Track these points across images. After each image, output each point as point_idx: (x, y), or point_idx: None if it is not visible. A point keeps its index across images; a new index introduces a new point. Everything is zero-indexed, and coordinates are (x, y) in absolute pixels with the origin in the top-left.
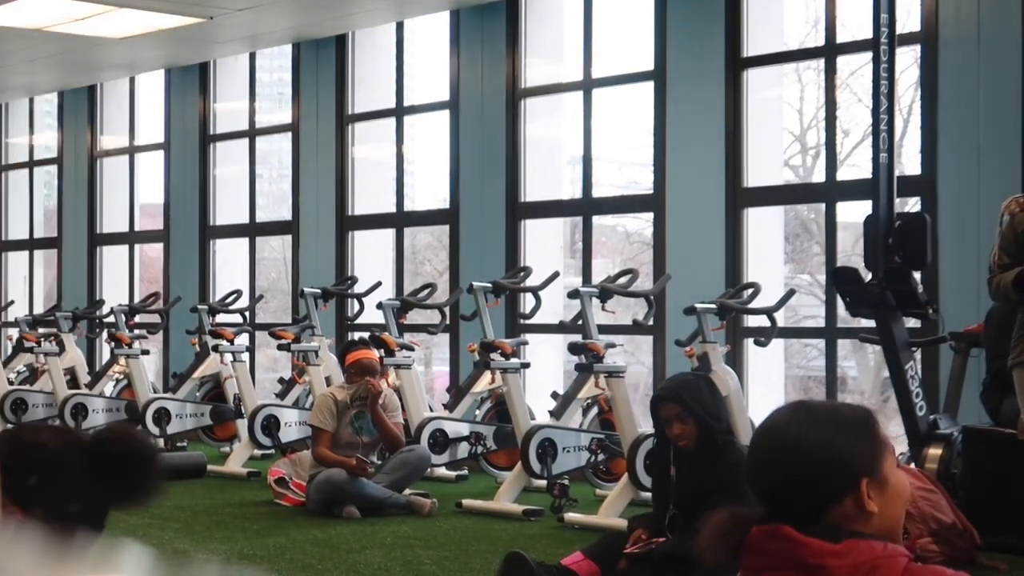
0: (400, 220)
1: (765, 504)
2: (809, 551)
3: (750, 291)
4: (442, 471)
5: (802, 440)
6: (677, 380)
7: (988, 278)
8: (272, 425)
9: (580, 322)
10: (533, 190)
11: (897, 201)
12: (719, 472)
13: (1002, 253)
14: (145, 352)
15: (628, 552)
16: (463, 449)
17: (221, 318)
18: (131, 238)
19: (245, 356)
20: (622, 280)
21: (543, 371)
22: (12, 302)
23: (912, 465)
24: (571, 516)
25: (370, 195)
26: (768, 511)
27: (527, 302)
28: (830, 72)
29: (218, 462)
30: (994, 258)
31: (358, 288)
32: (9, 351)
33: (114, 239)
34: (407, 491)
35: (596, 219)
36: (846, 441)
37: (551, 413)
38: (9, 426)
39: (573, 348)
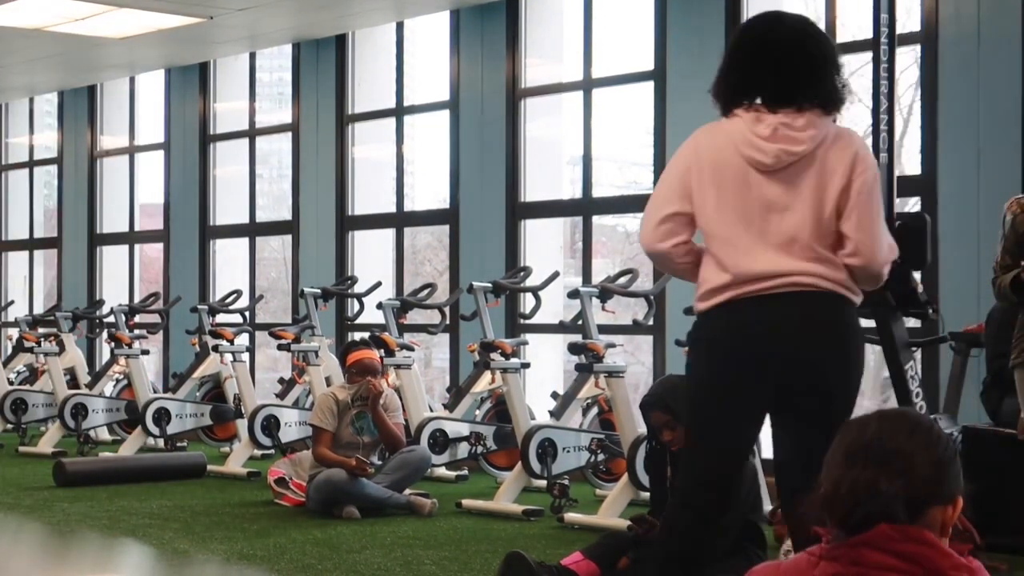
0: (400, 220)
1: (856, 496)
2: (950, 562)
3: None
4: (442, 471)
5: (942, 438)
6: (663, 386)
7: (992, 279)
8: (272, 425)
9: (580, 322)
10: (533, 190)
11: (897, 201)
12: None
13: (1004, 254)
14: (145, 352)
15: (640, 536)
16: (463, 449)
17: (221, 318)
18: (131, 238)
19: (245, 356)
20: (622, 280)
21: (543, 371)
22: (12, 302)
23: None
24: (571, 516)
25: (370, 195)
26: (851, 507)
27: (527, 302)
28: None
29: (218, 462)
30: (997, 259)
31: (358, 288)
32: (9, 351)
33: (114, 239)
34: (407, 491)
35: (596, 219)
36: (956, 457)
37: (551, 413)
38: (9, 426)
39: (573, 348)
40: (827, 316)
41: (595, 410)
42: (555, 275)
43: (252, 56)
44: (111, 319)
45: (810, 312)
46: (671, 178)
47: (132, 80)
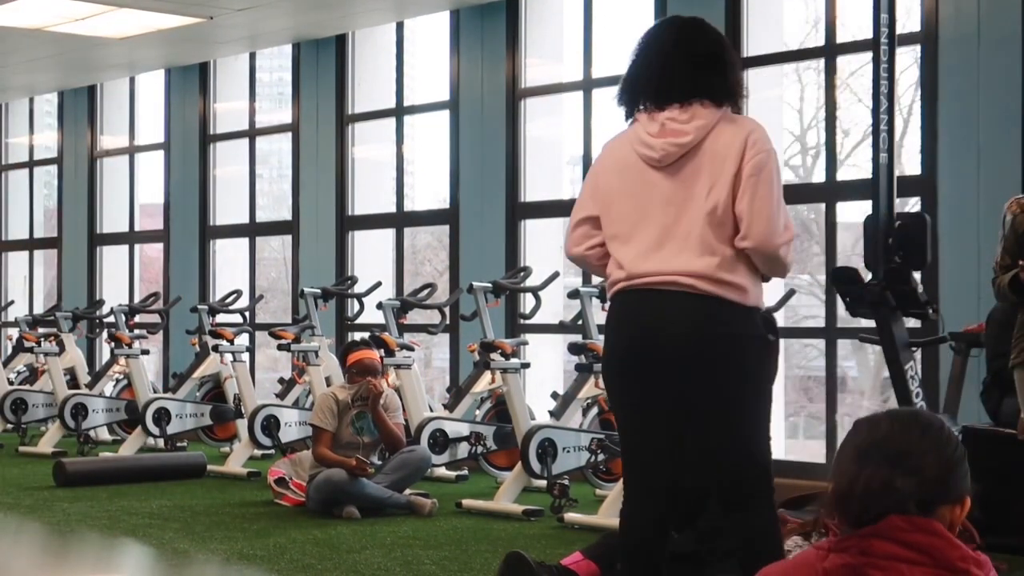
0: (400, 220)
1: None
2: (958, 553)
3: None
4: (442, 471)
5: (952, 439)
6: None
7: (992, 279)
8: (272, 425)
9: (580, 322)
10: (533, 190)
11: (897, 201)
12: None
13: (1004, 254)
14: (145, 352)
15: None
16: (463, 449)
17: (221, 318)
18: (131, 238)
19: (245, 356)
20: None
21: (543, 371)
22: (12, 302)
23: None
24: (571, 516)
25: (370, 195)
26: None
27: (527, 302)
28: (830, 72)
29: (218, 462)
30: (997, 259)
31: (358, 288)
32: (9, 351)
33: (114, 239)
34: (407, 491)
35: None
36: (964, 459)
37: (551, 413)
38: (9, 426)
39: (573, 348)
40: (697, 319)
41: (595, 410)
42: (555, 275)
43: (252, 56)
44: (111, 319)
45: (680, 314)
46: (585, 186)
47: (132, 80)
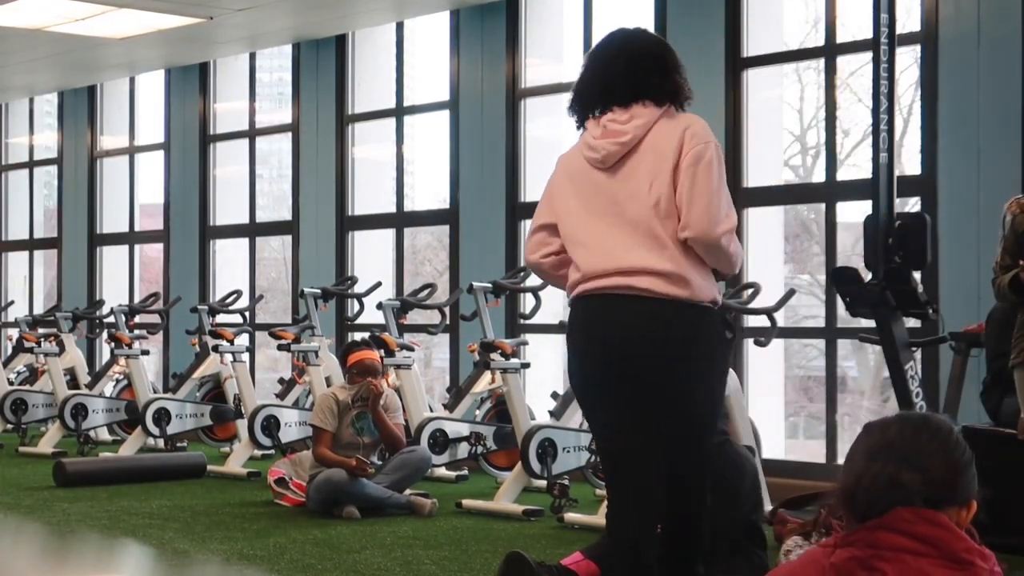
0: (400, 220)
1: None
2: (963, 545)
3: (750, 291)
4: (442, 471)
5: (960, 443)
6: None
7: (992, 279)
8: (272, 425)
9: None
10: (533, 190)
11: (897, 201)
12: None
13: (1004, 254)
14: (145, 352)
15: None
16: (463, 449)
17: (221, 318)
18: (131, 238)
19: (245, 356)
20: None
21: (543, 371)
22: (12, 302)
23: None
24: (571, 516)
25: (370, 195)
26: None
27: (527, 302)
28: (830, 72)
29: (218, 462)
30: (997, 260)
31: (358, 288)
32: (9, 351)
33: (114, 239)
34: (407, 491)
35: None
36: (972, 463)
37: (551, 413)
38: (9, 426)
39: None
40: (655, 324)
41: None
42: None
43: (252, 56)
44: (111, 319)
45: (640, 320)
46: (543, 196)
47: (132, 80)
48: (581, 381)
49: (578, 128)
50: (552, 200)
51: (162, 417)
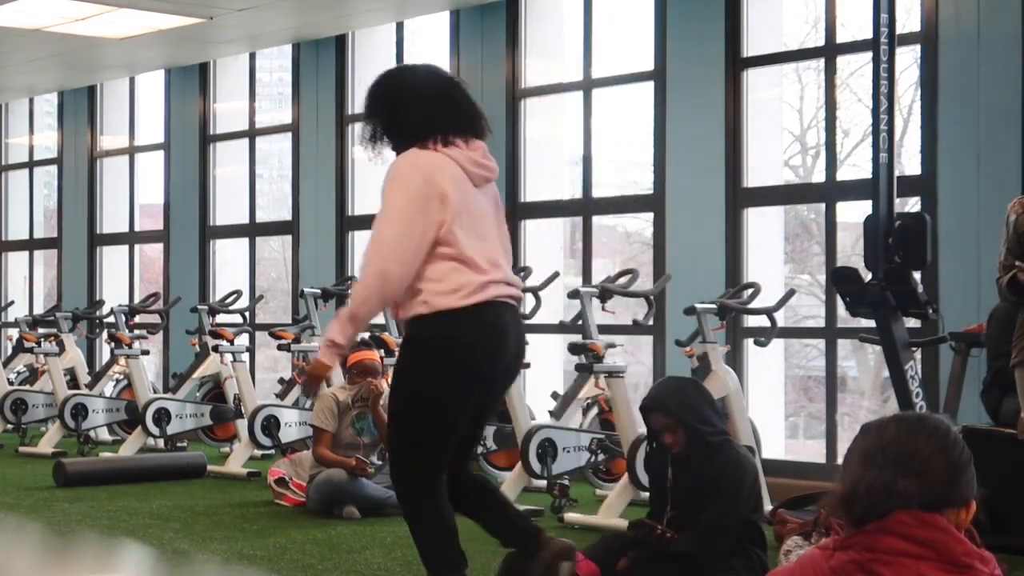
0: None
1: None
2: (962, 548)
3: (750, 291)
4: None
5: (959, 443)
6: (663, 389)
7: (996, 279)
8: (272, 425)
9: (580, 322)
10: (533, 190)
11: (897, 201)
12: (714, 473)
13: (1007, 254)
14: (145, 352)
15: (642, 538)
16: None
17: (221, 318)
18: (131, 238)
19: (245, 356)
20: (622, 280)
21: (543, 371)
22: (12, 302)
23: None
24: (571, 516)
25: (370, 195)
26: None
27: (527, 302)
28: (830, 72)
29: (218, 462)
30: (1000, 259)
31: None
32: (9, 351)
33: (114, 239)
34: None
35: (596, 219)
36: (971, 463)
37: (551, 413)
38: (9, 426)
39: (573, 348)
40: (521, 330)
41: (595, 410)
42: (555, 275)
43: (252, 56)
44: (111, 319)
45: (516, 327)
46: (416, 199)
47: (132, 80)
48: (464, 390)
49: (420, 142)
50: (434, 206)
51: (162, 417)
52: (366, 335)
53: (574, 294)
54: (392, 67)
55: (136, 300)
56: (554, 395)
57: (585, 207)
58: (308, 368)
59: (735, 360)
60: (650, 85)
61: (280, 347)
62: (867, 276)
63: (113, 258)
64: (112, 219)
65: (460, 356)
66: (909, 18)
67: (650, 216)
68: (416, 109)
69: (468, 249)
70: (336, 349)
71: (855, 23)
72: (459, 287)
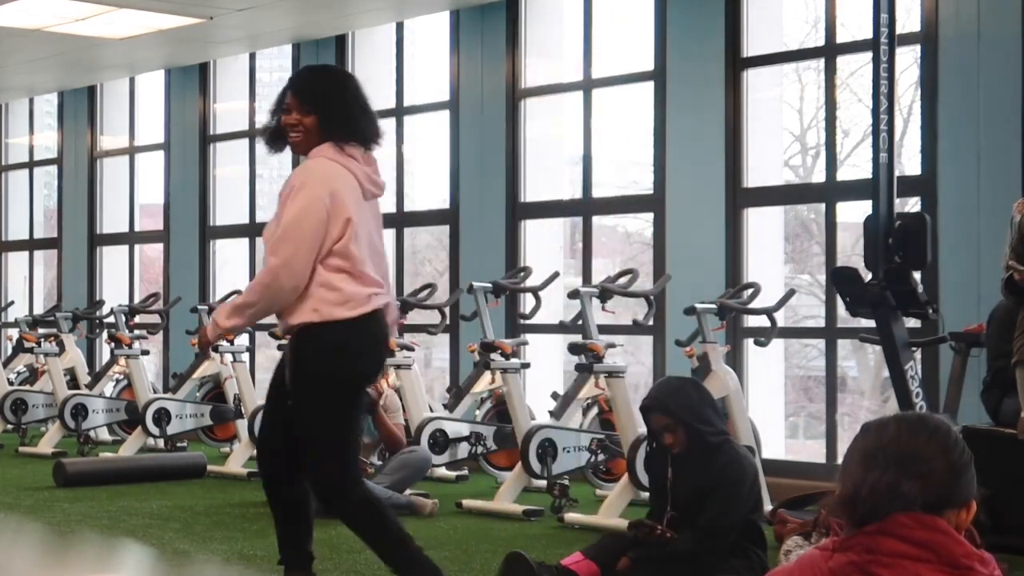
0: (400, 220)
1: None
2: (962, 550)
3: (750, 291)
4: (442, 471)
5: (959, 443)
6: (663, 389)
7: (1003, 277)
8: None
9: (580, 322)
10: (533, 190)
11: (897, 201)
12: (714, 473)
13: (1010, 254)
14: (145, 352)
15: (642, 538)
16: (463, 449)
17: None
18: (131, 238)
19: (245, 356)
20: (622, 280)
21: (543, 371)
22: (12, 302)
23: None
24: (571, 516)
25: None
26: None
27: (527, 302)
28: (830, 72)
29: (218, 462)
30: (1004, 259)
31: None
32: (9, 351)
33: (114, 239)
34: (408, 492)
35: (596, 219)
36: (971, 463)
37: (551, 413)
38: (9, 426)
39: (573, 348)
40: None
41: (595, 410)
42: (555, 275)
43: (252, 56)
44: (111, 319)
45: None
46: (317, 207)
47: (132, 80)
48: (354, 395)
49: (342, 145)
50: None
51: (162, 417)
52: None
53: (574, 294)
54: (327, 65)
55: (136, 300)
56: (554, 395)
57: (585, 207)
58: (199, 334)
59: (735, 360)
60: (650, 85)
61: (280, 347)
62: (867, 276)
63: (113, 258)
64: (112, 219)
65: (350, 364)
66: (909, 18)
67: (650, 216)
68: (365, 112)
69: (360, 263)
70: (220, 330)
71: (855, 23)
72: (349, 298)
